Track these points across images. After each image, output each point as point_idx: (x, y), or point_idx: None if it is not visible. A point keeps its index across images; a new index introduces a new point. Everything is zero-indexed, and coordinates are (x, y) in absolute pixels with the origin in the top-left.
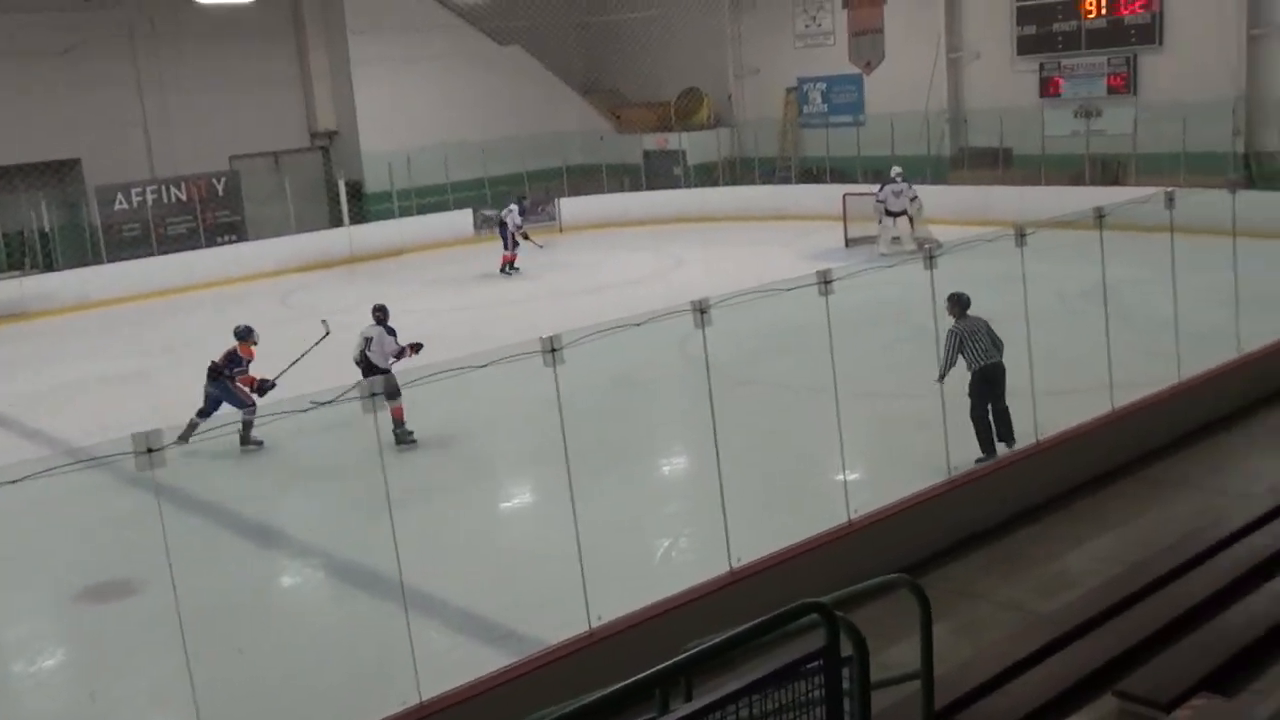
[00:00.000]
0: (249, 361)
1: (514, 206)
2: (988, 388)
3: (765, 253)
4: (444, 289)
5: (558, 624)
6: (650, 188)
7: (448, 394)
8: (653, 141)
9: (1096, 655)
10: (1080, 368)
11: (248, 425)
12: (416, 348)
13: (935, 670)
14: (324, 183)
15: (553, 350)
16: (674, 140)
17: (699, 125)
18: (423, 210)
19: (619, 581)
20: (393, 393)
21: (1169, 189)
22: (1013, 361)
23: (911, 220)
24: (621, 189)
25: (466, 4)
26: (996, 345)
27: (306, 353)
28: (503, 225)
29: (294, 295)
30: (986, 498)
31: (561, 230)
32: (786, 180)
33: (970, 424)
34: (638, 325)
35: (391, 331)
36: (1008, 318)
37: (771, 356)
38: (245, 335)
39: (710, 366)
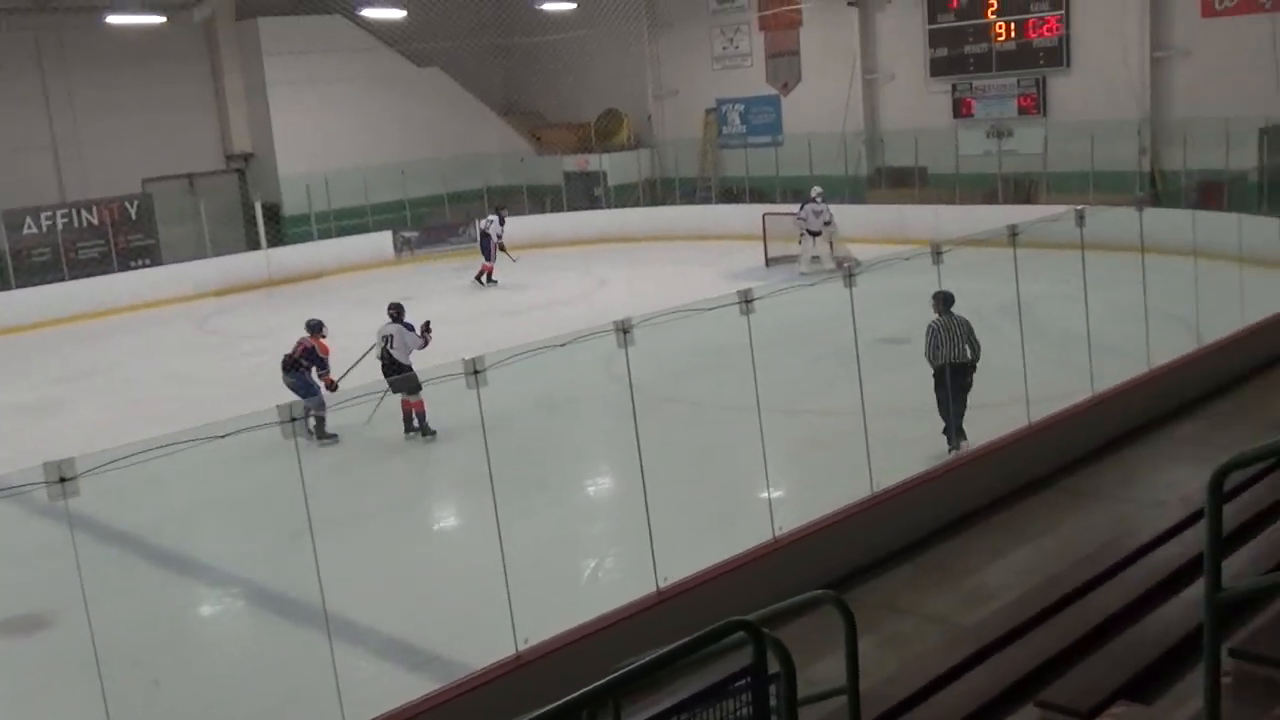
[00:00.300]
0: (327, 358)
1: (494, 217)
2: (947, 383)
3: (687, 272)
4: (365, 311)
5: (484, 648)
6: (571, 209)
7: (367, 417)
8: (573, 163)
9: (1019, 666)
10: (997, 382)
11: (321, 420)
12: (427, 325)
13: (861, 685)
14: (240, 205)
15: (476, 372)
16: (594, 161)
17: (619, 146)
18: (342, 232)
19: (546, 604)
20: (414, 389)
21: (1079, 207)
22: (932, 377)
23: (830, 239)
24: (542, 210)
25: (384, 26)
26: (971, 346)
27: (364, 357)
28: (484, 236)
29: (211, 319)
30: (909, 512)
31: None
32: (707, 200)
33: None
34: (561, 346)
35: (409, 327)
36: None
37: (695, 375)
38: (318, 329)
39: (634, 386)
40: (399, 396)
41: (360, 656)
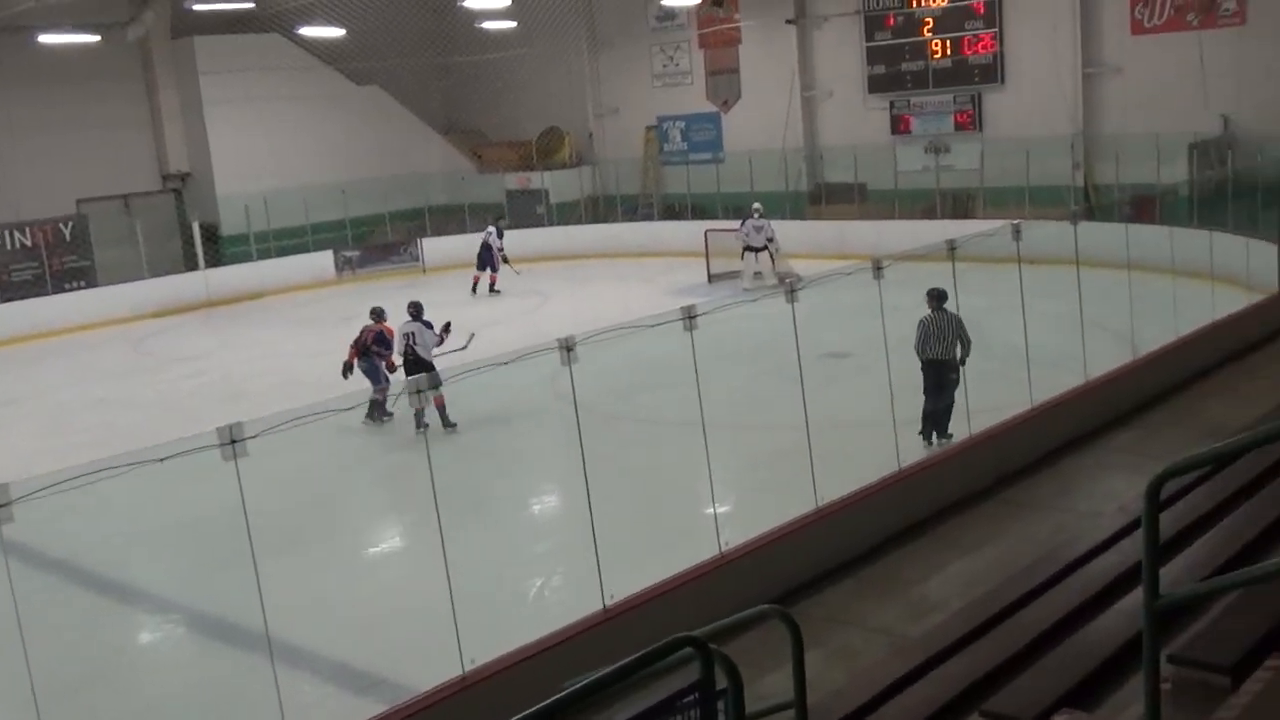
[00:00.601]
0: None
1: (492, 229)
2: (931, 379)
3: (630, 289)
4: (306, 331)
5: (430, 670)
6: (513, 226)
7: (308, 438)
8: (515, 181)
9: (963, 676)
10: None
11: (378, 404)
12: (447, 326)
13: (808, 698)
14: (178, 225)
15: (419, 391)
16: (536, 179)
17: (561, 164)
18: (282, 252)
19: (492, 623)
20: (435, 384)
21: (1016, 222)
22: (876, 390)
23: (773, 255)
24: (484, 228)
25: (323, 45)
26: (962, 342)
27: (457, 350)
28: (485, 247)
29: (148, 341)
30: (853, 525)
31: (425, 271)
32: (649, 217)
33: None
34: (505, 364)
35: (428, 324)
36: (869, 348)
37: (640, 392)
38: (381, 315)
39: (579, 404)
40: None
41: (304, 680)
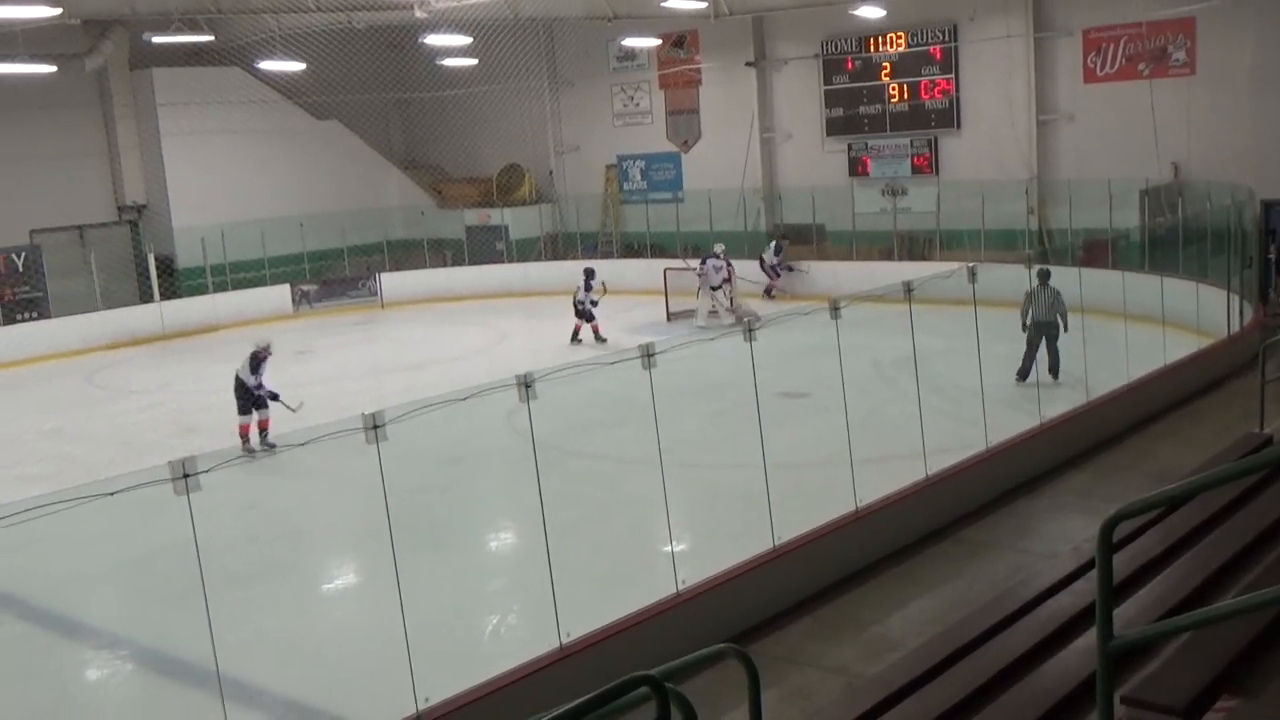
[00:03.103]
0: None
1: (580, 285)
2: (1036, 336)
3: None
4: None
5: (384, 708)
6: (473, 263)
7: (265, 474)
8: (475, 217)
9: (921, 715)
10: (896, 435)
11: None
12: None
13: None
14: (133, 257)
15: (375, 427)
16: (496, 215)
17: (521, 201)
18: (238, 286)
19: (447, 661)
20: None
21: (971, 264)
22: (834, 430)
23: (730, 295)
24: (444, 264)
25: (282, 78)
26: (1058, 309)
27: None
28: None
29: (100, 374)
30: (811, 564)
31: (383, 306)
32: (609, 255)
33: None
34: (462, 400)
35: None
36: (826, 387)
37: (598, 429)
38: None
39: (536, 440)
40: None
41: (254, 719)
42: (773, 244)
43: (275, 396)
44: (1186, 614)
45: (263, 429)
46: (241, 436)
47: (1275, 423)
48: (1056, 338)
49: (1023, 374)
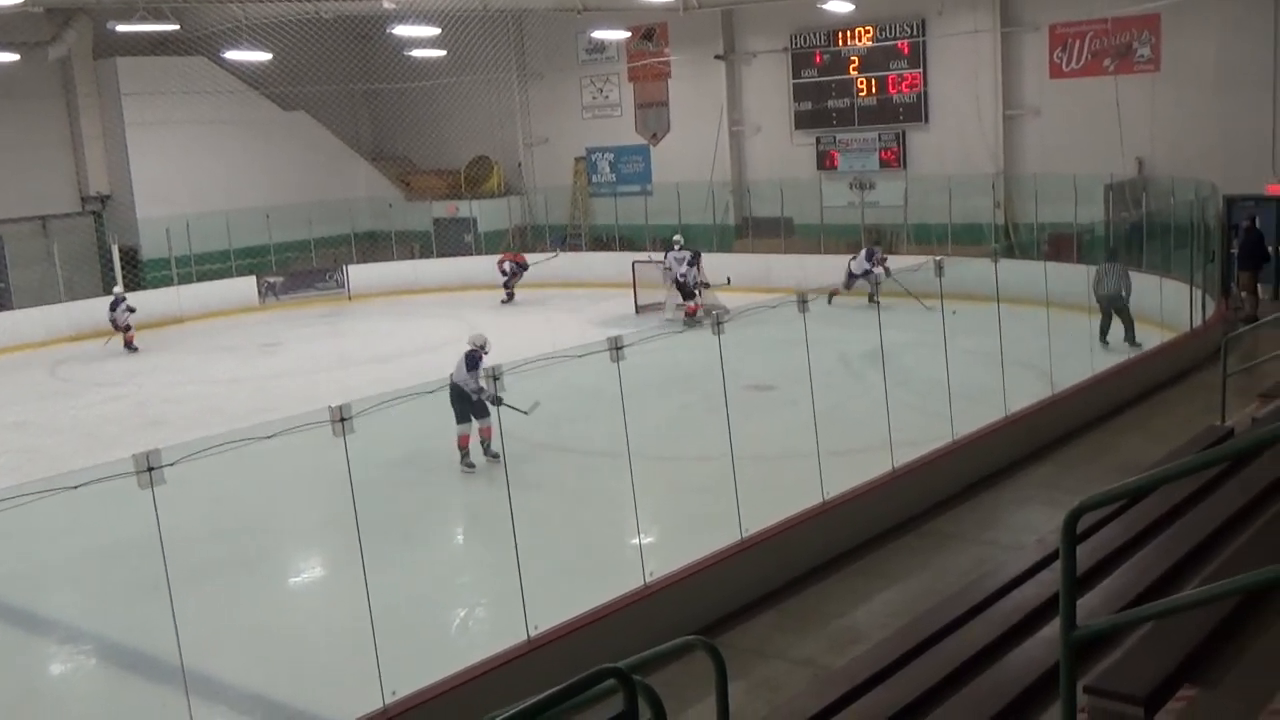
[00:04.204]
0: None
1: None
2: (1106, 306)
3: (557, 319)
4: (227, 358)
5: (351, 701)
6: (440, 255)
7: (229, 467)
8: (443, 209)
9: (884, 708)
10: (863, 428)
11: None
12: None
13: None
14: (96, 248)
15: (343, 420)
16: (464, 208)
17: (489, 193)
18: (204, 277)
19: (414, 654)
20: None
21: (938, 258)
22: (801, 422)
23: (695, 285)
24: (411, 256)
25: (249, 69)
26: (1121, 283)
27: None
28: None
29: (64, 365)
30: (778, 556)
31: (350, 298)
32: (577, 248)
33: None
34: (431, 393)
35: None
36: (794, 380)
37: (567, 422)
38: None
39: (504, 433)
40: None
41: (219, 714)
42: (864, 251)
43: (499, 400)
44: (1148, 604)
45: (484, 439)
46: (460, 448)
47: (1237, 415)
48: (1123, 308)
49: (1103, 337)
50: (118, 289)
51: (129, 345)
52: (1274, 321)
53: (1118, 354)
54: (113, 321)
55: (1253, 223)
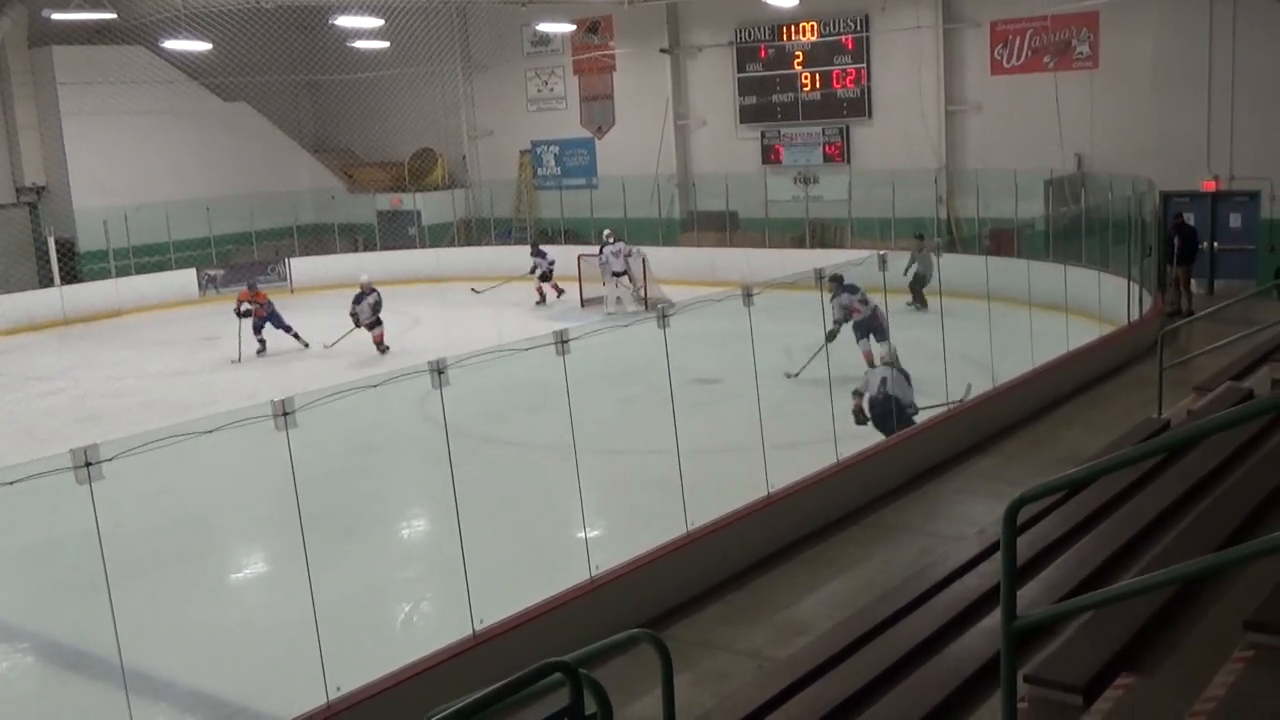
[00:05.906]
0: None
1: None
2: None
3: (502, 313)
4: (166, 351)
5: (294, 698)
6: (384, 248)
7: (168, 462)
8: (386, 201)
9: (830, 698)
10: (807, 421)
11: None
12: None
13: None
14: (32, 240)
15: (285, 414)
16: (408, 200)
17: (433, 186)
18: (143, 270)
19: (358, 649)
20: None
21: (882, 252)
22: (747, 415)
23: (632, 280)
24: (354, 249)
25: (189, 58)
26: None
27: None
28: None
29: None
30: (724, 549)
31: (292, 291)
32: (522, 241)
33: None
34: (374, 387)
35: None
36: (739, 374)
37: (512, 416)
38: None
39: (449, 427)
40: None
41: (160, 712)
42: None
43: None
44: (1087, 594)
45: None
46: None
47: (1173, 408)
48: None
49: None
50: (365, 278)
51: (379, 345)
52: (1208, 316)
53: (1058, 347)
54: (354, 316)
55: (1181, 218)
